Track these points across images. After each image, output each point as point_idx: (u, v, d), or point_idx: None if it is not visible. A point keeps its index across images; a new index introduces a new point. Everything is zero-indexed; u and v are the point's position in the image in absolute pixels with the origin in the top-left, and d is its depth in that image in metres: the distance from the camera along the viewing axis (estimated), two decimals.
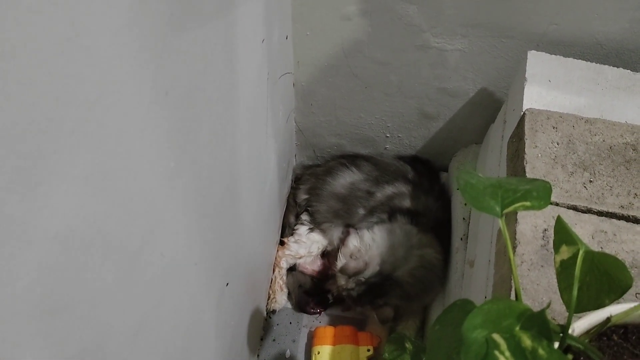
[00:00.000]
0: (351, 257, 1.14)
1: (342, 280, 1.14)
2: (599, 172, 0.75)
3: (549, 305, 0.46)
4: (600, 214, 0.72)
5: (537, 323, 0.43)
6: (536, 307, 0.66)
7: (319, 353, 1.17)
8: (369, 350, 1.17)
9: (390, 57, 1.07)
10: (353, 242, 1.15)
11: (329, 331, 1.19)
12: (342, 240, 1.20)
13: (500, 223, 0.50)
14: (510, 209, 0.49)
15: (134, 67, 0.36)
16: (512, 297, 0.66)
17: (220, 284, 0.73)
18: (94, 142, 0.32)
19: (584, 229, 0.70)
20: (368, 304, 1.14)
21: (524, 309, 0.45)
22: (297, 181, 1.39)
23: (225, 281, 0.75)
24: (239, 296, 0.90)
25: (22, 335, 0.28)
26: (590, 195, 0.73)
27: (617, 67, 0.92)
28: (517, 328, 0.44)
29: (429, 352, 0.51)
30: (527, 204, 0.49)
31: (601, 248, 0.69)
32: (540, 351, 0.41)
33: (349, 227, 1.22)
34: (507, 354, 0.42)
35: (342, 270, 1.12)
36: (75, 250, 0.32)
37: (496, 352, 0.42)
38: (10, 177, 0.26)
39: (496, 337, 0.43)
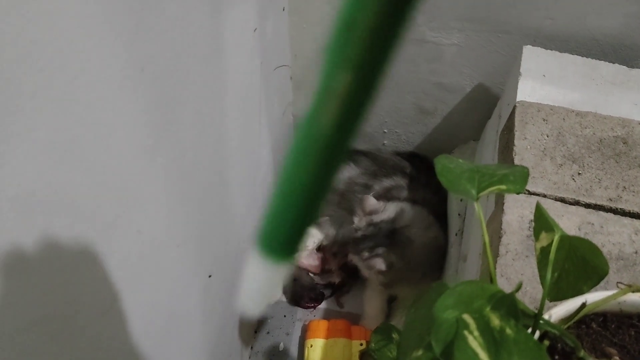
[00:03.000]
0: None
1: (356, 219, 1.14)
2: (588, 164, 0.74)
3: (519, 286, 0.46)
4: (588, 206, 0.72)
5: (507, 304, 0.43)
6: (519, 297, 0.65)
7: (311, 346, 1.17)
8: (361, 344, 1.17)
9: None
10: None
11: (322, 325, 1.19)
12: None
13: (476, 207, 0.50)
14: (486, 192, 0.49)
15: (103, 37, 0.37)
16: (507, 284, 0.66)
17: (207, 268, 0.73)
18: (58, 107, 0.33)
19: (570, 220, 0.70)
20: (366, 251, 1.10)
21: (496, 291, 0.45)
22: None
23: (212, 267, 0.75)
24: (229, 284, 0.90)
25: None
26: (579, 188, 0.72)
27: (613, 63, 0.91)
28: (488, 309, 0.44)
29: (403, 334, 0.51)
30: (503, 187, 0.49)
31: None
32: (508, 330, 0.41)
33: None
34: (476, 333, 0.42)
35: (362, 201, 1.11)
36: (37, 214, 0.33)
37: (465, 332, 0.42)
38: None
39: (466, 317, 0.43)
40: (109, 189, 0.42)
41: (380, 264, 1.06)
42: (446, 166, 0.51)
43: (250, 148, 0.90)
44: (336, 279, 1.29)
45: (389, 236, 1.07)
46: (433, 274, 1.14)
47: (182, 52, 0.53)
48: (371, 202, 1.10)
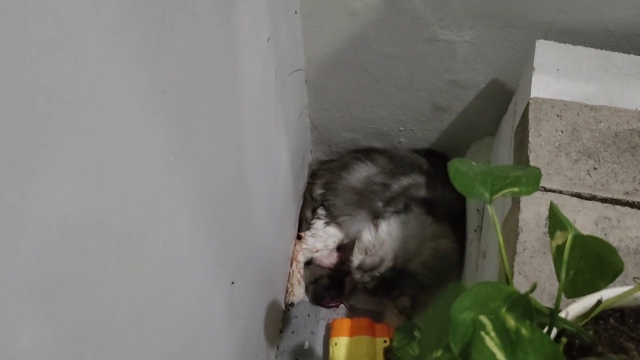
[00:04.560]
0: (366, 253, 1.16)
1: (357, 274, 1.17)
2: (603, 159, 0.74)
3: (534, 287, 0.47)
4: (604, 200, 0.72)
5: (522, 305, 0.45)
6: (537, 294, 0.66)
7: (336, 344, 1.19)
8: (385, 341, 1.18)
9: (399, 51, 1.08)
10: (367, 236, 1.18)
11: (345, 323, 1.21)
12: (358, 235, 1.22)
13: (489, 209, 0.51)
14: (499, 194, 0.50)
15: (125, 67, 0.39)
16: (526, 284, 0.67)
17: (230, 274, 0.76)
18: (87, 136, 0.35)
19: (587, 216, 0.71)
20: (384, 296, 1.17)
21: (511, 291, 0.46)
22: (313, 176, 1.41)
23: (235, 273, 0.77)
24: (253, 288, 0.93)
25: (21, 312, 0.31)
26: (595, 182, 0.73)
27: (628, 54, 0.91)
28: (503, 310, 0.45)
29: (422, 336, 0.52)
30: (515, 189, 0.50)
31: (604, 235, 0.69)
32: (523, 331, 0.42)
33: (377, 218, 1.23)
34: (493, 334, 0.43)
35: (359, 267, 1.15)
36: (72, 237, 0.35)
37: (482, 333, 0.44)
38: (4, 168, 0.28)
39: (483, 318, 0.45)
40: (136, 207, 0.44)
41: (406, 301, 1.12)
42: (459, 170, 0.53)
43: (269, 154, 0.92)
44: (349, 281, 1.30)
45: (395, 279, 1.11)
46: (449, 277, 1.16)
47: (199, 69, 0.55)
48: (367, 261, 1.14)
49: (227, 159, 0.68)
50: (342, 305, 1.29)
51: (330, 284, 1.29)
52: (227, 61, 0.63)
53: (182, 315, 0.58)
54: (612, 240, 0.69)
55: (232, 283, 0.75)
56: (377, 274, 1.14)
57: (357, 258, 1.18)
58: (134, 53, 0.39)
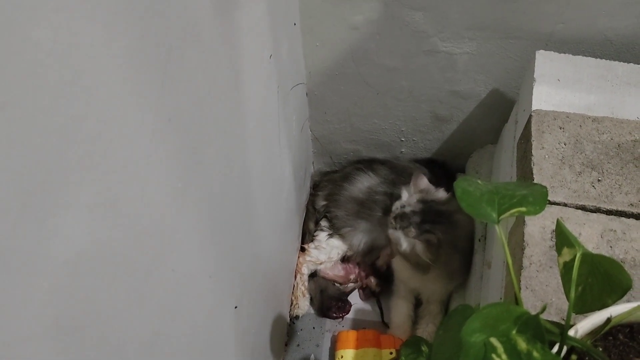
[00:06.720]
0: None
1: (405, 195, 1.11)
2: (607, 170, 0.75)
3: (543, 309, 0.47)
4: (609, 212, 0.72)
5: (532, 326, 0.45)
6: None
7: (342, 357, 1.18)
8: (391, 353, 1.18)
9: (399, 63, 1.08)
10: (425, 181, 1.12)
11: (351, 335, 1.21)
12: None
13: (497, 229, 0.51)
14: (506, 215, 0.50)
15: (134, 100, 0.39)
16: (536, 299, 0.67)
17: (237, 293, 0.76)
18: (98, 173, 0.35)
19: (592, 228, 0.71)
20: (413, 226, 1.06)
21: (521, 312, 0.46)
22: (315, 188, 1.41)
23: (241, 291, 0.77)
24: (259, 304, 0.92)
25: (38, 354, 0.31)
26: (599, 195, 0.73)
27: (628, 63, 0.91)
28: (514, 332, 0.45)
29: (432, 357, 0.52)
30: (523, 209, 0.50)
31: (610, 247, 0.69)
32: (535, 354, 0.42)
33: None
34: (504, 357, 0.43)
35: (415, 179, 1.09)
36: (85, 274, 0.35)
37: (494, 356, 0.44)
38: (20, 212, 0.28)
39: (494, 340, 0.45)
40: (144, 237, 0.44)
41: (434, 238, 1.04)
42: (466, 190, 0.53)
43: (273, 170, 0.92)
44: (376, 288, 1.31)
45: (437, 215, 1.07)
46: (464, 269, 1.14)
47: (204, 94, 0.55)
48: (424, 181, 1.10)
49: (233, 180, 0.68)
50: (347, 316, 1.29)
51: (336, 295, 1.29)
52: (230, 82, 0.64)
53: (191, 339, 0.58)
54: (618, 252, 0.69)
55: (236, 307, 0.75)
56: (426, 199, 1.07)
57: (421, 174, 1.13)
58: (142, 87, 0.40)
